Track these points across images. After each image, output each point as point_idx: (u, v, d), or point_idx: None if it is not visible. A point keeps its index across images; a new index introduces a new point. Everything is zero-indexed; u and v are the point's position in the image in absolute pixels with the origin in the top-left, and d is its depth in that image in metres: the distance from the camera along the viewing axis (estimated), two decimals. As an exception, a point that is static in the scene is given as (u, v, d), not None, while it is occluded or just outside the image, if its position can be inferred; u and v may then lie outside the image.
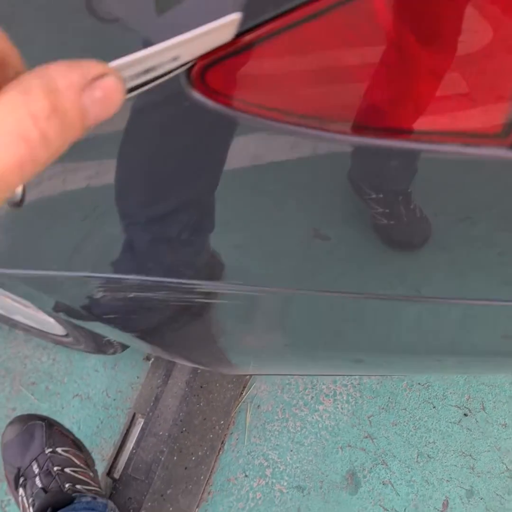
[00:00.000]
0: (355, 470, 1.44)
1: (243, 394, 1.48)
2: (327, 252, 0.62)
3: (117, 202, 0.57)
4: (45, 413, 1.31)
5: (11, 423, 1.26)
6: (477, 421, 1.49)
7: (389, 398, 1.50)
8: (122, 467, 1.36)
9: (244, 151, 0.48)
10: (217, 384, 1.43)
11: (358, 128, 0.42)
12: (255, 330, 0.82)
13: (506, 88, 0.41)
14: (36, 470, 1.17)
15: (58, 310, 0.81)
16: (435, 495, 1.42)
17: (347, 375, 1.51)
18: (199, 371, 1.41)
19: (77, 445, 1.29)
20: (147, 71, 0.28)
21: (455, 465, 1.45)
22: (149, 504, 1.31)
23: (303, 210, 0.57)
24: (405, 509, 1.41)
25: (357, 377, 1.52)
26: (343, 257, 0.63)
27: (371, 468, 1.44)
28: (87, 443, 1.34)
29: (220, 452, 1.43)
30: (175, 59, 0.30)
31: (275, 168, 0.51)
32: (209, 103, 0.41)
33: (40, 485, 1.14)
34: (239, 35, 0.34)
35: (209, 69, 0.38)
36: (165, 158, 0.51)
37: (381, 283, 0.67)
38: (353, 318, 0.76)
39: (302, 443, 1.45)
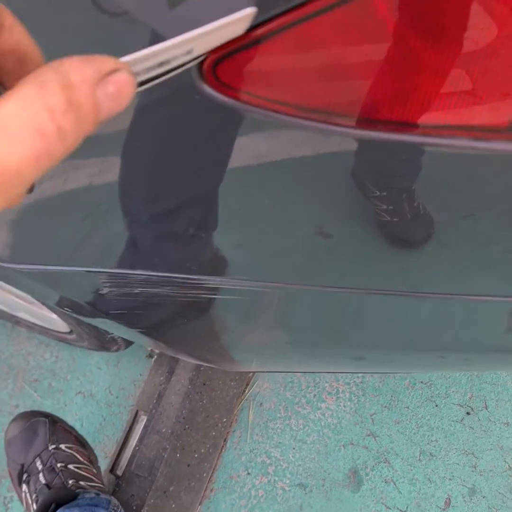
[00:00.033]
0: (357, 468, 1.44)
1: (246, 392, 1.49)
2: (330, 249, 0.62)
3: (121, 199, 0.57)
4: (48, 410, 1.32)
5: (14, 419, 1.27)
6: (479, 420, 1.49)
7: (391, 396, 1.50)
8: (125, 464, 1.37)
9: (250, 146, 0.48)
10: (220, 382, 1.43)
11: (367, 122, 0.43)
12: (258, 327, 0.83)
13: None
14: (40, 467, 1.17)
15: (64, 305, 0.81)
16: (437, 493, 1.42)
17: (350, 373, 1.51)
18: (202, 368, 1.41)
19: (81, 442, 1.29)
20: (161, 64, 0.29)
21: (458, 464, 1.45)
22: (152, 501, 1.31)
23: (306, 207, 0.57)
24: (407, 507, 1.41)
25: (359, 375, 1.52)
26: (346, 254, 0.63)
27: (373, 466, 1.44)
28: (89, 440, 1.34)
29: (223, 450, 1.44)
30: (188, 52, 0.30)
31: (279, 165, 0.51)
32: (220, 96, 0.41)
33: (43, 481, 1.14)
34: (250, 29, 0.34)
35: (220, 62, 0.38)
36: (171, 154, 0.51)
37: (383, 280, 0.67)
38: (356, 315, 0.76)
39: (305, 441, 1.46)
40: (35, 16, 0.33)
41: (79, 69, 0.22)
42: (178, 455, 1.36)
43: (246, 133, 0.46)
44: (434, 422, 1.48)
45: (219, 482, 1.42)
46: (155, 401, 1.40)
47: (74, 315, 0.87)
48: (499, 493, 1.42)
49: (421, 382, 1.52)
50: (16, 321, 1.44)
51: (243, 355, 0.99)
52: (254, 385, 1.50)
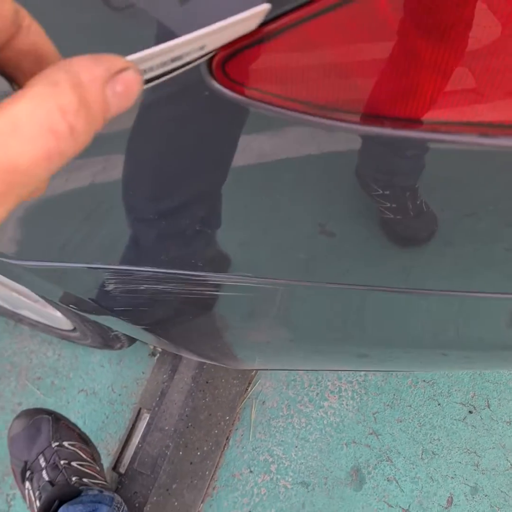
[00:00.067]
0: (359, 467, 1.44)
1: (249, 390, 1.49)
2: (333, 247, 0.62)
3: (124, 197, 0.58)
4: (51, 408, 1.32)
5: (17, 417, 1.27)
6: (482, 418, 1.49)
7: (394, 395, 1.50)
8: (128, 461, 1.37)
9: (255, 144, 0.48)
10: (223, 380, 1.43)
11: (373, 118, 0.43)
12: (262, 325, 0.83)
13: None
14: (43, 464, 1.17)
15: (68, 302, 0.81)
16: (439, 492, 1.42)
17: (353, 371, 1.51)
18: (205, 366, 1.41)
19: (84, 439, 1.29)
20: (173, 59, 0.29)
21: (460, 462, 1.45)
22: (155, 498, 1.32)
23: (309, 205, 0.57)
24: (409, 506, 1.41)
25: (362, 374, 1.52)
26: (349, 252, 0.64)
27: (375, 465, 1.44)
28: (92, 438, 1.34)
29: (225, 448, 1.44)
30: (201, 48, 0.30)
31: (283, 163, 0.51)
32: (229, 93, 0.41)
33: (47, 478, 1.15)
34: (259, 26, 0.34)
35: (229, 59, 0.38)
36: (177, 151, 0.51)
37: (386, 277, 0.67)
38: (359, 312, 0.76)
39: (307, 439, 1.46)
40: (47, 14, 0.33)
41: (89, 69, 0.23)
42: (180, 453, 1.36)
43: (252, 130, 0.47)
44: (437, 420, 1.49)
45: (222, 480, 1.42)
46: (157, 399, 1.41)
47: (79, 312, 0.87)
48: (501, 491, 1.42)
49: (424, 380, 1.52)
50: (19, 319, 1.45)
51: (246, 353, 1.00)
52: (257, 384, 1.50)
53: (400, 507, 1.41)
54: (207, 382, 1.41)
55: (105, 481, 1.23)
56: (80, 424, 1.37)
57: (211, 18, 0.30)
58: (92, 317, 0.90)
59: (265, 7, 0.32)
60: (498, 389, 1.52)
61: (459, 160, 0.49)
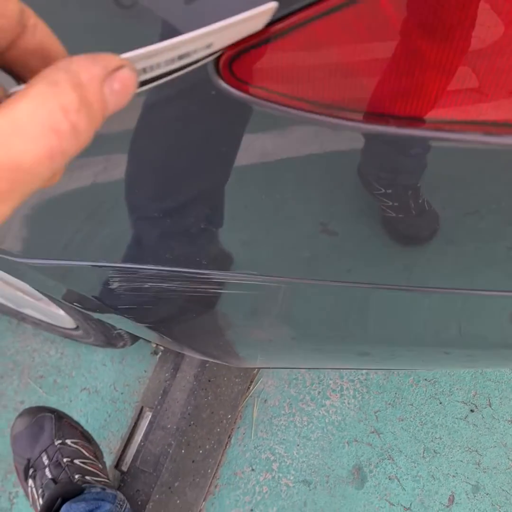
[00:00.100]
0: (361, 465, 1.44)
1: (251, 388, 1.49)
2: (335, 245, 0.62)
3: (127, 196, 0.58)
4: (53, 406, 1.32)
5: (20, 415, 1.27)
6: (483, 417, 1.49)
7: (395, 393, 1.51)
8: (130, 459, 1.38)
9: (257, 143, 0.49)
10: (225, 378, 1.44)
11: (377, 116, 0.43)
12: (264, 322, 0.83)
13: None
14: (46, 462, 1.18)
15: (73, 300, 0.82)
16: (441, 490, 1.43)
17: (354, 370, 1.51)
18: (207, 365, 1.42)
19: (86, 437, 1.30)
20: (181, 57, 0.29)
21: (461, 461, 1.45)
22: (157, 496, 1.32)
23: (311, 205, 0.57)
24: (411, 504, 1.41)
25: (364, 372, 1.53)
26: (351, 250, 0.64)
27: (377, 463, 1.44)
28: (95, 436, 1.35)
29: (227, 446, 1.44)
30: (208, 46, 0.30)
31: (285, 162, 0.52)
32: (236, 92, 0.41)
33: (50, 476, 1.15)
34: (266, 25, 0.35)
35: (236, 58, 0.38)
36: (182, 150, 0.51)
37: (388, 275, 0.67)
38: (361, 310, 0.76)
39: (309, 437, 1.46)
40: (54, 13, 0.34)
41: (87, 68, 0.23)
42: (183, 451, 1.36)
43: (258, 129, 0.47)
44: (438, 419, 1.49)
45: (224, 478, 1.42)
46: (160, 397, 1.41)
47: (83, 310, 0.88)
48: (503, 490, 1.42)
49: (425, 379, 1.52)
50: (22, 318, 1.45)
51: (248, 351, 1.00)
52: (259, 382, 1.50)
53: (401, 505, 1.41)
54: (209, 381, 1.41)
55: (108, 479, 1.23)
56: (82, 422, 1.37)
57: (218, 18, 0.30)
58: (96, 315, 0.90)
59: (272, 5, 0.32)
60: (499, 388, 1.52)
61: (462, 159, 0.49)
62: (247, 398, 1.48)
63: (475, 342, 0.85)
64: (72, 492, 1.09)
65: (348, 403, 1.49)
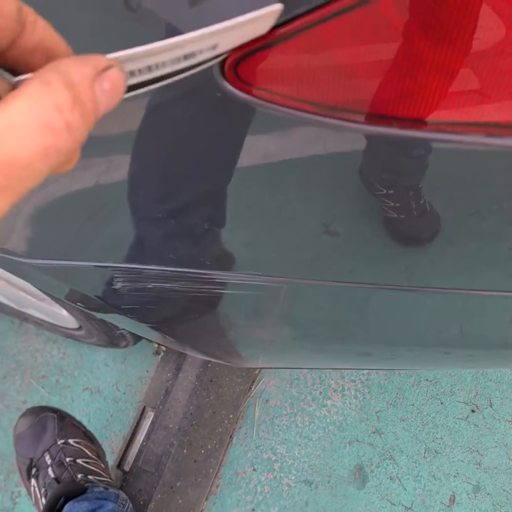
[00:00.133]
0: (362, 465, 1.44)
1: (252, 388, 1.50)
2: (337, 246, 0.62)
3: (130, 197, 0.58)
4: (55, 406, 1.33)
5: (23, 415, 1.28)
6: (484, 418, 1.49)
7: (397, 394, 1.51)
8: (132, 459, 1.38)
9: (259, 145, 0.49)
10: (227, 379, 1.44)
11: (380, 118, 0.43)
12: (266, 323, 0.83)
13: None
14: (49, 461, 1.18)
15: (76, 300, 0.82)
16: (442, 490, 1.43)
17: (356, 370, 1.51)
18: (209, 365, 1.42)
19: (89, 437, 1.30)
20: (186, 57, 0.29)
21: (462, 461, 1.45)
22: (159, 496, 1.32)
23: (313, 205, 0.57)
24: (412, 504, 1.41)
25: (365, 372, 1.53)
26: (353, 250, 0.64)
27: (378, 463, 1.45)
28: (97, 436, 1.35)
29: (229, 446, 1.44)
30: (214, 47, 0.31)
31: (287, 164, 0.52)
32: (241, 94, 0.42)
33: (52, 475, 1.16)
34: (272, 27, 0.35)
35: (241, 61, 0.39)
36: (187, 151, 0.51)
37: (390, 276, 0.67)
38: (362, 310, 0.76)
39: (310, 437, 1.46)
40: (55, 14, 0.34)
41: (78, 68, 0.23)
42: (185, 451, 1.37)
43: (262, 131, 0.47)
44: (439, 419, 1.49)
45: (225, 478, 1.43)
46: (162, 397, 1.41)
47: (86, 311, 0.88)
48: (504, 490, 1.43)
49: (427, 380, 1.53)
50: (25, 318, 1.45)
51: (250, 351, 1.00)
52: (260, 382, 1.50)
53: (402, 505, 1.41)
54: (211, 381, 1.42)
55: (110, 479, 1.24)
56: (84, 422, 1.37)
57: (223, 20, 0.30)
58: (99, 315, 0.90)
59: (278, 7, 0.32)
60: (500, 388, 1.52)
61: (464, 160, 0.49)
62: (248, 398, 1.49)
63: (476, 343, 0.85)
64: (74, 492, 1.09)
65: (350, 403, 1.50)
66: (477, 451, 1.46)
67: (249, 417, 1.47)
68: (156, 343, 1.50)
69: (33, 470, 1.20)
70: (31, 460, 1.21)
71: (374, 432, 1.47)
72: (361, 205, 0.57)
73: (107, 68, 0.24)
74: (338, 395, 1.50)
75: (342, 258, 0.65)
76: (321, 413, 1.49)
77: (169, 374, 1.44)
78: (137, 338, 1.32)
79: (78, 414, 1.44)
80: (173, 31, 0.39)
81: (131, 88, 0.29)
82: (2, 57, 0.26)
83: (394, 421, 1.48)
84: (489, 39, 0.39)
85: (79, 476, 1.15)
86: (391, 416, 1.49)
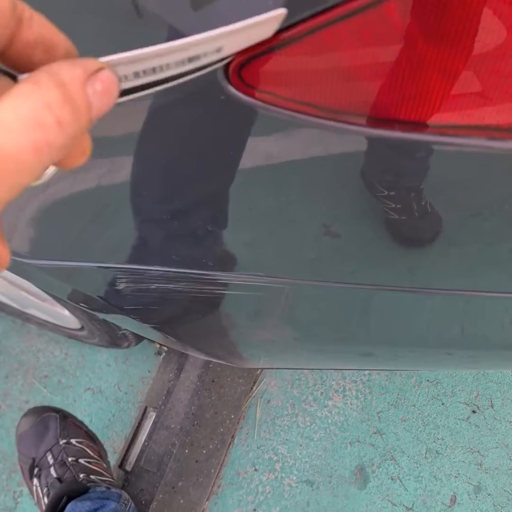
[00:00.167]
0: (364, 465, 1.45)
1: (254, 389, 1.50)
2: (338, 247, 0.63)
3: (133, 198, 0.58)
4: (57, 406, 1.33)
5: (25, 415, 1.28)
6: (485, 418, 1.50)
7: (398, 394, 1.51)
8: (134, 459, 1.38)
9: (267, 146, 0.49)
10: (229, 379, 1.44)
11: (382, 121, 0.44)
12: (268, 323, 0.83)
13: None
14: (51, 461, 1.19)
15: (79, 301, 0.82)
16: (443, 491, 1.43)
17: (357, 370, 1.52)
18: (210, 365, 1.42)
19: (91, 437, 1.30)
20: (191, 59, 0.29)
21: (463, 461, 1.46)
22: (161, 496, 1.33)
23: (315, 207, 0.58)
24: (413, 504, 1.42)
25: (366, 373, 1.53)
26: (354, 252, 0.64)
27: (379, 464, 1.45)
28: (99, 436, 1.35)
29: (230, 446, 1.45)
30: (218, 50, 0.31)
31: (289, 165, 0.52)
32: (245, 98, 0.42)
33: (55, 475, 1.16)
34: (276, 31, 0.35)
35: (245, 64, 0.39)
36: (190, 153, 0.52)
37: (391, 277, 0.67)
38: (364, 311, 0.76)
39: (312, 438, 1.47)
40: (61, 17, 0.34)
41: (68, 70, 0.24)
42: (186, 451, 1.37)
43: (265, 133, 0.48)
44: (440, 420, 1.49)
45: (227, 478, 1.43)
46: (164, 397, 1.42)
47: (88, 311, 0.88)
48: (505, 490, 1.43)
49: (428, 380, 1.53)
50: (27, 318, 1.46)
51: (252, 352, 1.00)
52: (262, 383, 1.51)
53: (403, 505, 1.41)
54: (213, 381, 1.42)
55: (112, 478, 1.24)
56: (86, 422, 1.37)
57: (227, 24, 0.31)
58: (101, 315, 0.91)
59: (281, 12, 0.32)
60: (501, 389, 1.53)
61: (465, 163, 0.50)
62: (250, 399, 1.49)
63: (477, 343, 0.85)
64: (77, 491, 1.10)
65: (351, 404, 1.50)
66: (478, 451, 1.46)
67: (250, 418, 1.48)
68: (158, 343, 1.50)
69: (36, 470, 1.20)
70: (34, 459, 1.21)
71: (375, 433, 1.47)
72: (363, 207, 0.58)
73: (98, 70, 0.25)
74: (339, 396, 1.50)
75: (344, 259, 0.65)
76: (322, 413, 1.49)
77: (171, 374, 1.44)
78: (139, 339, 1.32)
79: (80, 414, 1.45)
80: (178, 34, 0.39)
81: (136, 89, 0.29)
82: (4, 56, 0.27)
83: (395, 421, 1.48)
84: (491, 42, 0.40)
85: (81, 475, 1.15)
86: (392, 417, 1.49)
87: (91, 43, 0.40)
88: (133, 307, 0.77)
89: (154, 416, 1.41)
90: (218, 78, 0.41)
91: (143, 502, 1.32)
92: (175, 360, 1.45)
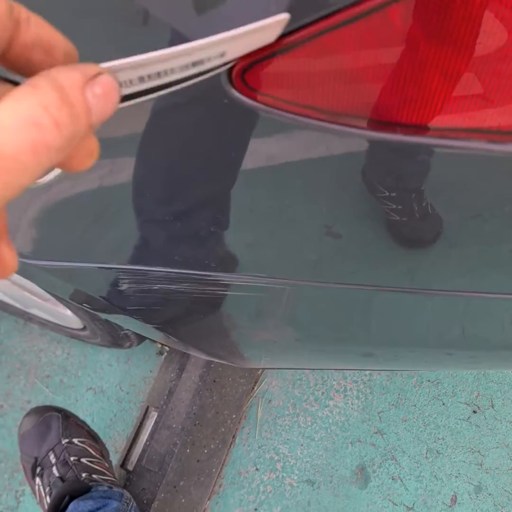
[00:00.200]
0: (364, 465, 1.45)
1: (255, 389, 1.50)
2: (339, 248, 0.63)
3: (135, 199, 0.59)
4: (60, 406, 1.33)
5: (28, 414, 1.28)
6: (485, 418, 1.50)
7: (399, 394, 1.51)
8: (136, 459, 1.39)
9: (268, 148, 0.50)
10: (230, 379, 1.45)
11: (384, 124, 0.44)
12: (269, 324, 0.84)
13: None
14: (53, 460, 1.19)
15: (81, 301, 0.83)
16: (443, 491, 1.43)
17: (358, 370, 1.52)
18: (212, 365, 1.43)
19: (93, 436, 1.31)
20: (194, 64, 0.30)
21: (464, 461, 1.46)
22: (162, 495, 1.33)
23: (317, 207, 0.58)
24: (413, 504, 1.42)
25: (367, 373, 1.53)
26: (355, 253, 0.64)
27: (380, 463, 1.45)
28: (101, 436, 1.36)
29: (232, 446, 1.45)
30: (222, 55, 0.31)
31: (290, 167, 0.52)
32: (248, 101, 0.43)
33: (57, 474, 1.16)
34: (279, 37, 0.36)
35: (249, 68, 0.39)
36: (193, 155, 0.52)
37: (392, 278, 0.68)
38: (365, 312, 0.77)
39: (313, 438, 1.47)
40: (63, 21, 0.35)
41: (66, 74, 0.24)
42: (188, 450, 1.37)
43: (267, 136, 0.48)
44: (441, 420, 1.50)
45: (228, 478, 1.43)
46: (165, 397, 1.42)
47: (91, 311, 0.89)
48: (505, 490, 1.43)
49: (428, 380, 1.53)
50: (29, 318, 1.46)
51: (253, 352, 1.00)
52: (263, 383, 1.51)
53: (404, 505, 1.42)
54: (214, 381, 1.42)
55: (114, 478, 1.24)
56: (88, 422, 1.38)
57: (230, 29, 0.31)
58: (104, 315, 0.91)
59: (284, 16, 0.33)
60: (502, 389, 1.53)
61: (466, 165, 0.50)
62: (251, 399, 1.49)
63: (477, 344, 0.85)
64: (79, 490, 1.10)
65: (352, 404, 1.50)
66: (479, 451, 1.47)
67: (251, 417, 1.48)
68: (160, 343, 1.50)
69: (38, 469, 1.20)
70: (36, 459, 1.22)
71: (376, 433, 1.47)
72: (364, 208, 0.58)
73: (97, 75, 0.25)
74: (340, 396, 1.51)
75: (345, 260, 0.66)
76: (323, 413, 1.49)
77: (172, 374, 1.44)
78: (141, 339, 1.33)
79: (82, 413, 1.45)
80: (182, 39, 0.39)
81: (141, 93, 0.29)
82: (3, 58, 0.27)
83: (396, 421, 1.49)
84: (493, 44, 0.40)
85: (83, 475, 1.15)
86: (393, 417, 1.49)
87: (96, 46, 0.41)
88: (135, 307, 0.77)
89: (155, 416, 1.41)
90: (222, 82, 0.41)
91: (145, 502, 1.33)
92: (177, 360, 1.46)
